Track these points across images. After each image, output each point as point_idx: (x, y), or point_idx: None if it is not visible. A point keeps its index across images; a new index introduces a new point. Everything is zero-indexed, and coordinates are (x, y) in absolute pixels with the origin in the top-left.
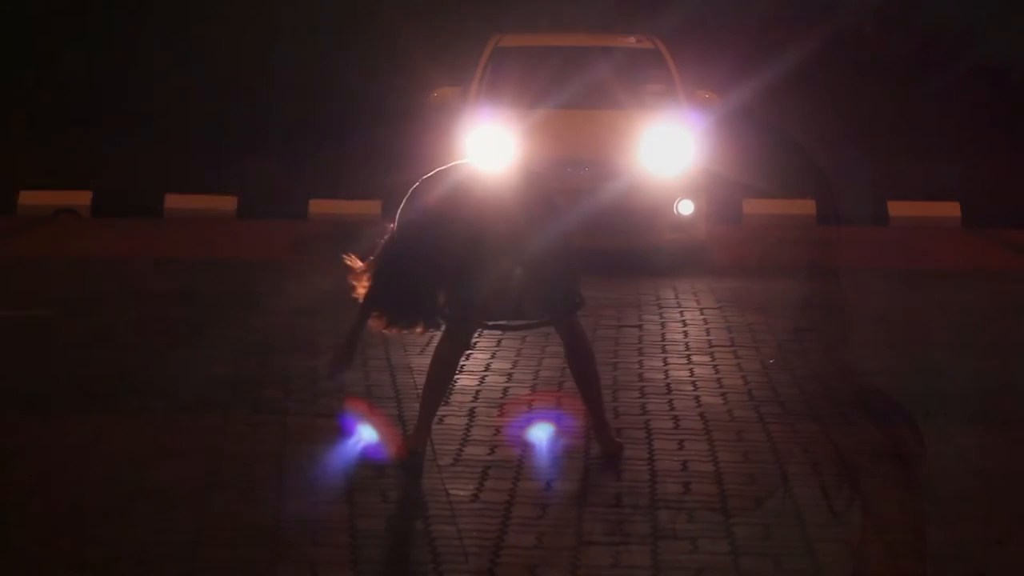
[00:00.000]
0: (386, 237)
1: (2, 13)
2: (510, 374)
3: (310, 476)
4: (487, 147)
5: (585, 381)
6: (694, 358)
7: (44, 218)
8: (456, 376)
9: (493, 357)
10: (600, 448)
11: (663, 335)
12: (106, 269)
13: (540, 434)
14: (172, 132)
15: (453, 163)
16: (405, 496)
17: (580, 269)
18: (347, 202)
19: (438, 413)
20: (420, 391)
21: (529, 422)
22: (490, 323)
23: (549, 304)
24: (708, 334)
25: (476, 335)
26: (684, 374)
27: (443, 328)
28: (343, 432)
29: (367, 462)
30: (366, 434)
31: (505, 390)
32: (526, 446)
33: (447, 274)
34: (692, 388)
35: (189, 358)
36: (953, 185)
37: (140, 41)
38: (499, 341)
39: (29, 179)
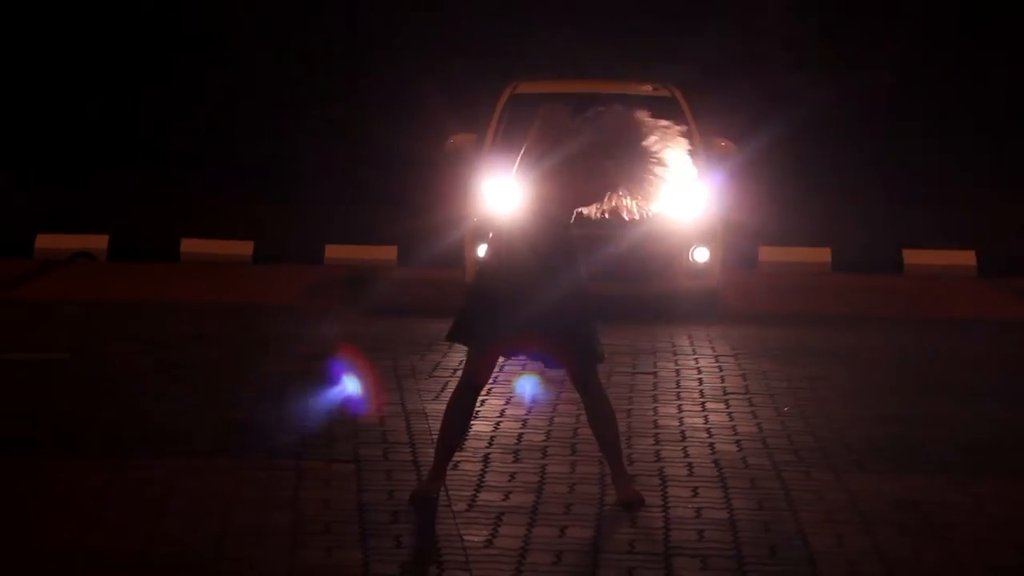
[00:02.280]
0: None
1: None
2: (525, 420)
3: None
4: (502, 194)
5: (605, 435)
6: (709, 405)
7: (60, 261)
8: (471, 422)
9: (508, 403)
10: (619, 498)
11: (678, 382)
12: (122, 313)
13: None
14: (189, 176)
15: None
16: (420, 542)
17: (598, 319)
18: (363, 247)
19: (453, 459)
20: (433, 436)
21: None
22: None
23: (568, 353)
24: (723, 381)
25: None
26: (699, 421)
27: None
28: (329, 379)
29: (345, 412)
30: (351, 385)
31: (520, 436)
32: None
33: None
34: (706, 435)
35: (204, 403)
36: (969, 233)
37: (157, 86)
38: (514, 387)
39: (47, 222)
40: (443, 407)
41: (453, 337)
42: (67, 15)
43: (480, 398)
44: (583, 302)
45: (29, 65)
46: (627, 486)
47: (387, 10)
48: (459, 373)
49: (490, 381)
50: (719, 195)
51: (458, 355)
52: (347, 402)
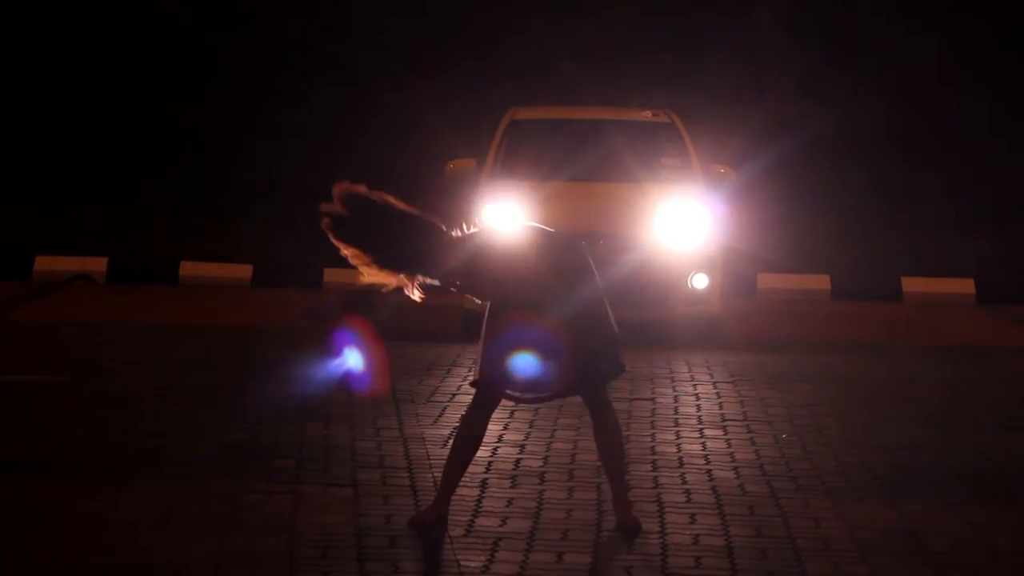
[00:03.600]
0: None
1: (21, 81)
2: (523, 446)
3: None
4: (502, 219)
5: (610, 456)
6: (707, 432)
7: (59, 283)
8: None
9: (506, 428)
10: (618, 522)
11: (676, 408)
12: (120, 335)
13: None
14: (189, 200)
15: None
16: (417, 567)
17: (615, 340)
18: None
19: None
20: (431, 461)
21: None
22: (513, 394)
23: (588, 371)
24: (721, 408)
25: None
26: (696, 448)
27: (470, 402)
28: (332, 350)
29: (344, 388)
30: (353, 360)
31: (517, 462)
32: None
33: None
34: (704, 462)
35: (202, 426)
36: (968, 261)
37: (157, 109)
38: (512, 413)
39: (46, 244)
40: (442, 432)
41: (476, 384)
42: (65, 37)
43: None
44: (603, 318)
45: (27, 86)
46: (627, 511)
47: (387, 34)
48: (457, 399)
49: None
50: (718, 221)
51: (455, 380)
52: (347, 376)
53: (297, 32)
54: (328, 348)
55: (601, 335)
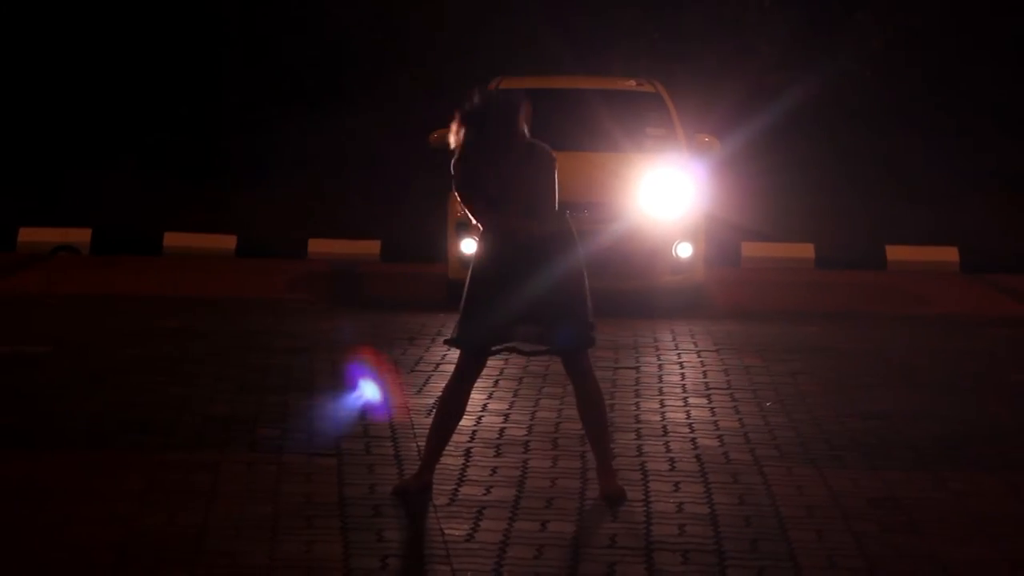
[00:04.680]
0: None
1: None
2: (507, 415)
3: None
4: None
5: (593, 423)
6: (691, 400)
7: (43, 255)
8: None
9: (490, 398)
10: (602, 491)
11: (660, 377)
12: (104, 306)
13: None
14: (172, 170)
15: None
16: (401, 535)
17: (590, 308)
18: (347, 242)
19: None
20: (415, 430)
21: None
22: (498, 347)
23: (562, 337)
24: (705, 377)
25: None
26: (681, 416)
27: (453, 371)
28: (348, 382)
29: (365, 417)
30: (369, 391)
31: (501, 431)
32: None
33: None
34: (688, 431)
35: (186, 396)
36: (952, 230)
37: (140, 79)
38: (496, 382)
39: (29, 215)
40: (426, 401)
41: (453, 343)
42: (48, 10)
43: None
44: (578, 285)
45: (9, 58)
46: (611, 479)
47: (369, 6)
48: (441, 368)
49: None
50: (702, 191)
51: (439, 350)
52: (366, 407)
53: (279, 5)
54: (344, 382)
55: (577, 301)
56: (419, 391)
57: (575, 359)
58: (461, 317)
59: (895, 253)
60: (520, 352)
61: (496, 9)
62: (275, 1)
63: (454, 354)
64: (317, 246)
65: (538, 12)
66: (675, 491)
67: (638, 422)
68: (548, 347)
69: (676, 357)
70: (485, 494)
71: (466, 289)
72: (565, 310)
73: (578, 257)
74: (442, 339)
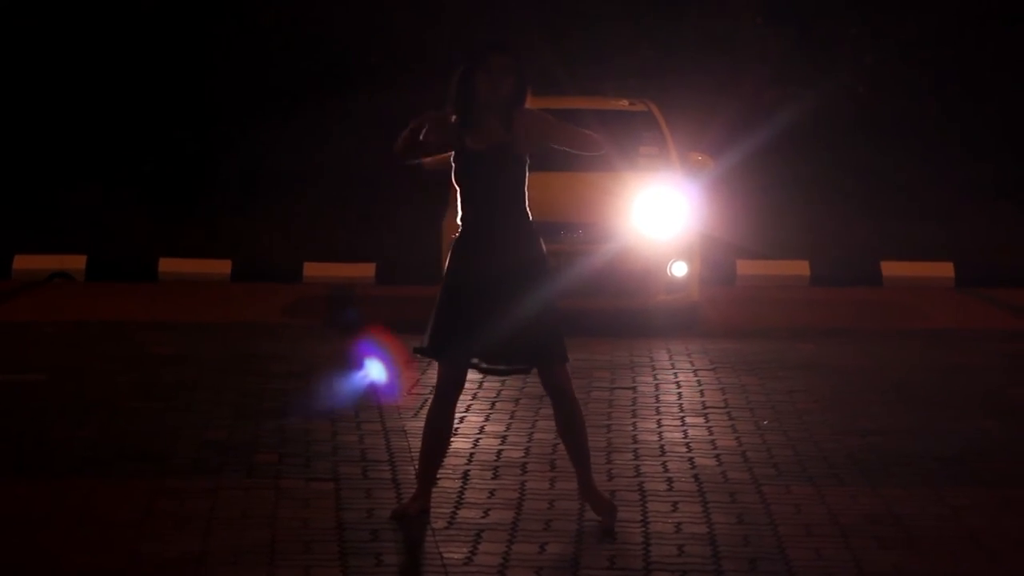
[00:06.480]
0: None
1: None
2: (504, 436)
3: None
4: None
5: (570, 436)
6: (688, 420)
7: (38, 282)
8: (451, 438)
9: (487, 420)
10: (593, 510)
11: (657, 397)
12: (100, 333)
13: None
14: (167, 196)
15: None
16: (399, 560)
17: (562, 325)
18: (342, 265)
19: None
20: (413, 454)
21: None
22: (473, 363)
23: (534, 353)
24: (702, 396)
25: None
26: (678, 436)
27: (433, 394)
28: (355, 362)
29: (371, 397)
30: (375, 371)
31: (499, 453)
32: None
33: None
34: (686, 450)
35: (183, 422)
36: (947, 245)
37: (133, 104)
38: (493, 404)
39: (24, 242)
40: (422, 424)
41: (423, 351)
42: (43, 32)
43: (458, 415)
44: (550, 305)
45: (2, 86)
46: (595, 495)
47: (363, 27)
48: None
49: (467, 396)
50: (696, 209)
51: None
52: (372, 387)
53: (274, 25)
54: (349, 361)
55: (544, 312)
56: (415, 415)
57: (551, 373)
58: (435, 327)
59: (890, 269)
60: (492, 372)
61: (489, 27)
62: (268, 21)
63: None
64: (312, 269)
65: (532, 29)
66: (673, 511)
67: (635, 442)
68: (518, 365)
69: (672, 376)
70: (483, 517)
71: (441, 298)
72: (542, 335)
73: (552, 287)
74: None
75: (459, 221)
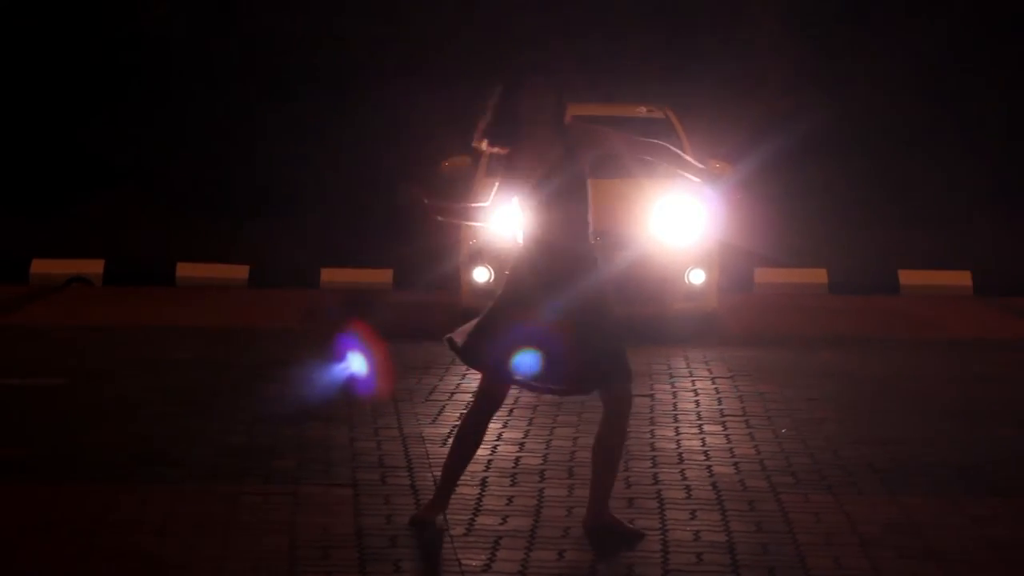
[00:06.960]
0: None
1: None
2: (522, 443)
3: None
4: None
5: (601, 452)
6: (706, 428)
7: (56, 286)
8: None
9: (505, 427)
10: (594, 523)
11: (675, 404)
12: (118, 338)
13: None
14: (184, 201)
15: None
16: (418, 566)
17: (624, 343)
18: (359, 271)
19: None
20: (431, 460)
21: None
22: (518, 379)
23: (591, 370)
24: (720, 403)
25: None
26: (696, 444)
27: (473, 401)
28: (336, 354)
29: (348, 392)
30: (356, 364)
31: (517, 460)
32: None
33: None
34: (704, 458)
35: (201, 427)
36: (965, 253)
37: (151, 109)
38: (511, 411)
39: (42, 247)
40: (440, 431)
41: (466, 358)
42: (60, 39)
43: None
44: (611, 333)
45: (21, 90)
46: (616, 522)
47: (380, 32)
48: (455, 397)
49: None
50: (715, 217)
51: (453, 379)
52: (351, 380)
53: (291, 33)
54: (331, 352)
55: (607, 337)
56: (433, 421)
57: (609, 389)
58: (480, 334)
59: (908, 277)
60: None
61: (508, 35)
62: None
63: (468, 383)
64: (330, 275)
65: (550, 36)
66: (691, 519)
67: (653, 450)
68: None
69: (690, 384)
70: (502, 524)
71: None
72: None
73: (610, 312)
74: (459, 373)
75: (522, 240)
